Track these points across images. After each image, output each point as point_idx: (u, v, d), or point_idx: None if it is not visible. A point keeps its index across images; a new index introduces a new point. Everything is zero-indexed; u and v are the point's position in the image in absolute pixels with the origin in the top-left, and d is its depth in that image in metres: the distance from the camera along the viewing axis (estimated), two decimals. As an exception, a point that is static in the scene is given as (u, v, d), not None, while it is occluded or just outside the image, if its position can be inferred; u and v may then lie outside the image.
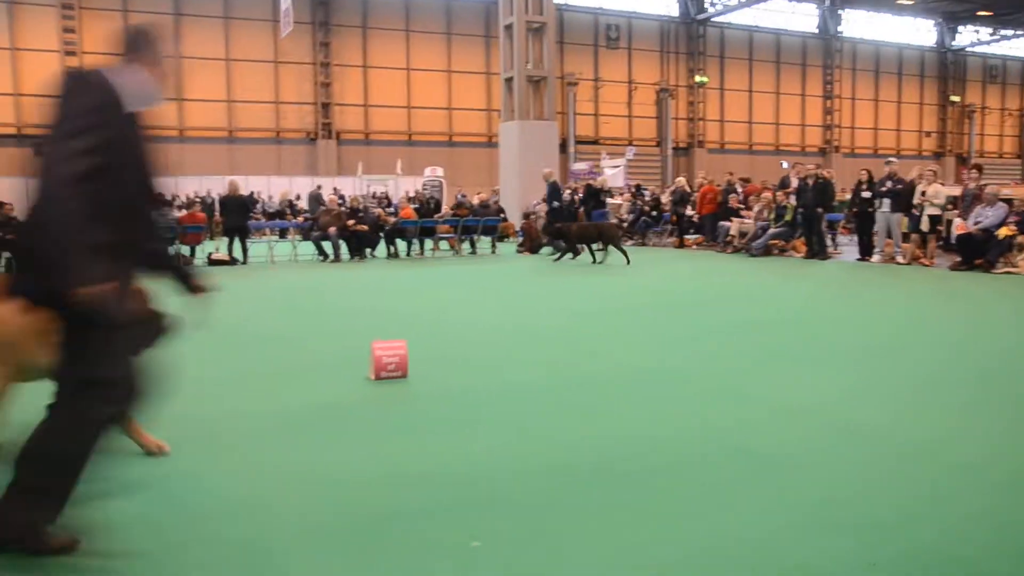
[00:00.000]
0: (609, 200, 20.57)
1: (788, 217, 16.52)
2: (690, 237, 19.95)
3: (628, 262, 14.69)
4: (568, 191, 20.24)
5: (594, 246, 15.54)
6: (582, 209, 18.69)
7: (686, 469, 3.78)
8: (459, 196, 30.11)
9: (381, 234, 17.67)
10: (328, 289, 12.12)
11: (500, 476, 3.68)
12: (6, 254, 12.04)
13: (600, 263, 15.18)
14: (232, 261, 16.11)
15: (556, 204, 18.88)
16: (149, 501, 3.41)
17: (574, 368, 6.07)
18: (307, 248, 17.48)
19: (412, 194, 28.12)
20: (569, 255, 15.92)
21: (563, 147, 38.41)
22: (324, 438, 4.31)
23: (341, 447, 4.14)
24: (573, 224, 16.52)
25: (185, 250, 16.11)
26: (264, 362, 6.43)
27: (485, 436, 4.31)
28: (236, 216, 16.68)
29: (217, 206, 19.48)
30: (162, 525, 3.17)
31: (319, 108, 39.70)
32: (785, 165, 26.30)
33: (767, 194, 17.59)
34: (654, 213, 21.58)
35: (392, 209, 21.40)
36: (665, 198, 21.82)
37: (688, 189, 20.47)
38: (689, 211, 19.87)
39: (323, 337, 7.58)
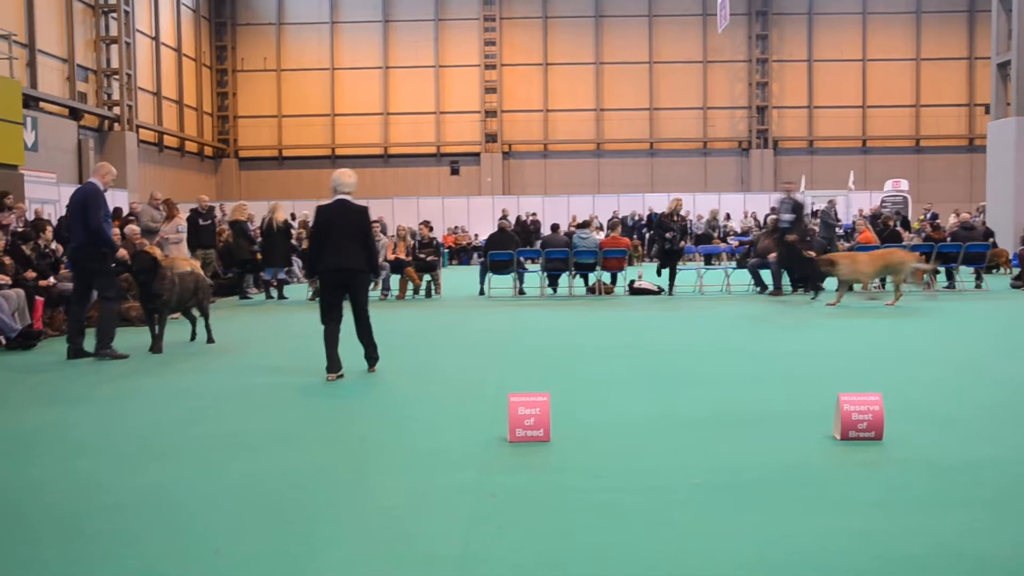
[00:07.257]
0: None
1: None
2: None
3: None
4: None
5: None
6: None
7: None
8: (926, 213, 28.37)
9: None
10: (771, 327, 12.13)
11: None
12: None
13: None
14: (658, 291, 16.84)
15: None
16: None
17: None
18: (741, 277, 17.67)
19: (867, 212, 27.08)
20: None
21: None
22: (778, 505, 4.32)
23: (796, 518, 4.12)
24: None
25: (606, 277, 17.15)
26: (706, 407, 6.58)
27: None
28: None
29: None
30: None
31: (753, 113, 39.99)
32: None
33: None
34: None
35: (841, 231, 20.76)
36: None
37: None
38: None
39: (772, 383, 7.58)
